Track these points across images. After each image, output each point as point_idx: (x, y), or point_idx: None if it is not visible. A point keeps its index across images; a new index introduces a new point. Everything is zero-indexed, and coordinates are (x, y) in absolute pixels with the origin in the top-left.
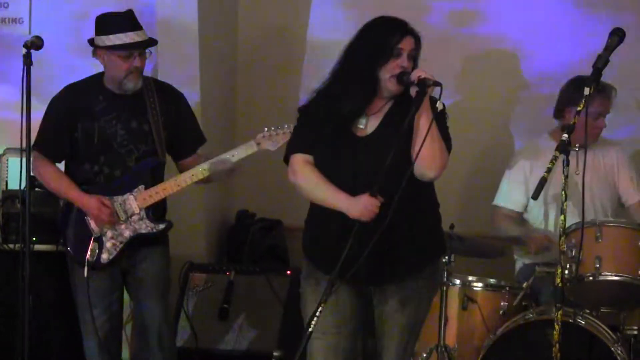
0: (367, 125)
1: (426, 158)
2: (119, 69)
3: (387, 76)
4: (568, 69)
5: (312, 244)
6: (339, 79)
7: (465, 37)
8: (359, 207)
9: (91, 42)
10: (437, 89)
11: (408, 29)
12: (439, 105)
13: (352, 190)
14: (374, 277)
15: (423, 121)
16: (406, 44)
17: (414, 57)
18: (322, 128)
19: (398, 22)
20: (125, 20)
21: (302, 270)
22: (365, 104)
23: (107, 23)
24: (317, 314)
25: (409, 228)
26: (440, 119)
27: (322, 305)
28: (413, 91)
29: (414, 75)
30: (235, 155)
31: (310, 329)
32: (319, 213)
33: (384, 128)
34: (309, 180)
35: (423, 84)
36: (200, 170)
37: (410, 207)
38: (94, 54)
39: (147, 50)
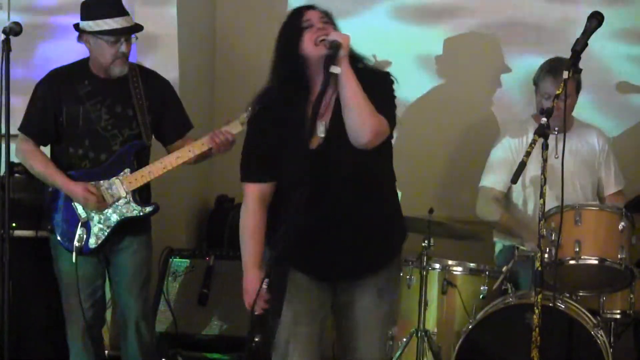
0: (324, 130)
1: (352, 123)
2: (105, 54)
3: (310, 46)
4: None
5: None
6: (273, 82)
7: (448, 20)
8: None
9: (77, 27)
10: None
11: (308, 7)
12: (332, 70)
13: (327, 204)
14: (345, 273)
15: (341, 83)
16: (312, 15)
17: (328, 23)
18: (281, 140)
19: (297, 7)
20: (112, 6)
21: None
22: (305, 101)
23: (94, 8)
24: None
25: (374, 220)
26: (380, 83)
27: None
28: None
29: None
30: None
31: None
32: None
33: (333, 127)
34: (243, 228)
35: (330, 46)
36: (199, 144)
37: (376, 196)
38: (80, 39)
39: (132, 36)
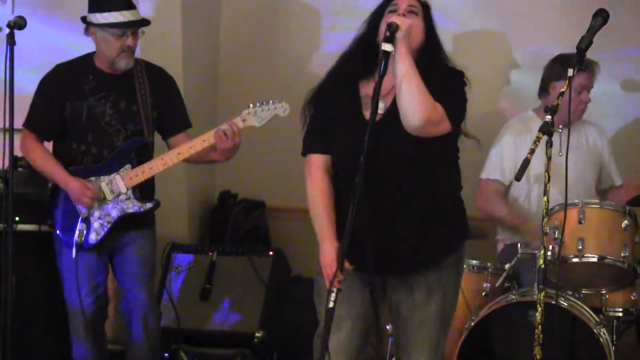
0: (384, 108)
1: (402, 104)
2: (112, 47)
3: (382, 32)
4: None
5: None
6: (347, 54)
7: (456, 16)
8: None
9: (84, 19)
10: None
11: None
12: (383, 47)
13: (377, 192)
14: (393, 267)
15: (395, 64)
16: (402, 1)
17: (414, 13)
18: (337, 114)
19: None
20: None
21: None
22: (366, 69)
23: (102, 1)
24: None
25: (428, 213)
26: (450, 78)
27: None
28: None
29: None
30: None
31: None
32: (339, 193)
33: (393, 109)
34: (312, 199)
35: (387, 27)
36: (200, 141)
37: (428, 190)
38: (86, 31)
39: (139, 30)
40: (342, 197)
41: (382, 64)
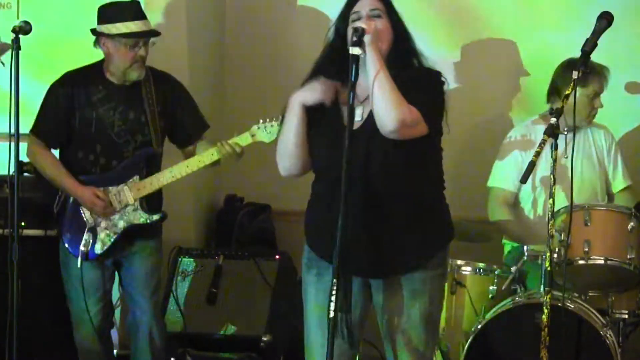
0: (361, 115)
1: (375, 108)
2: (124, 57)
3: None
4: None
5: (311, 230)
6: (320, 62)
7: (465, 23)
8: None
9: (93, 31)
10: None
11: None
12: (351, 50)
13: (358, 194)
14: (375, 268)
15: (368, 71)
16: (362, 5)
17: (379, 16)
18: (317, 121)
19: None
20: (131, 9)
21: (303, 254)
22: (341, 76)
23: (114, 11)
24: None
25: (409, 215)
26: (426, 79)
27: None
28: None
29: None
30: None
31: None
32: (318, 198)
33: (372, 116)
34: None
35: (353, 32)
36: (208, 155)
37: (409, 193)
38: (97, 42)
39: (150, 41)
40: (322, 203)
41: (353, 69)
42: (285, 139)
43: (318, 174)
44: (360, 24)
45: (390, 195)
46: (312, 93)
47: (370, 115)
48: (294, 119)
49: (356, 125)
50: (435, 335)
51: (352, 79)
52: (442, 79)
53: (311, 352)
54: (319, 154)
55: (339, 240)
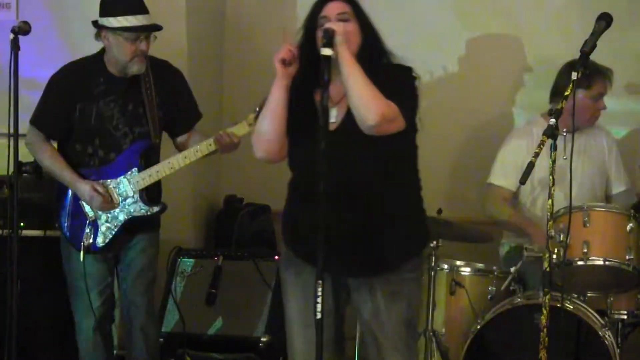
0: (337, 117)
1: (353, 106)
2: (125, 51)
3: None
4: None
5: (288, 230)
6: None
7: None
8: None
9: (95, 23)
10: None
11: None
12: (322, 52)
13: (336, 194)
14: (354, 267)
15: (342, 71)
16: (330, 9)
17: (347, 20)
18: (295, 123)
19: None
20: (134, 3)
21: (281, 255)
22: (316, 78)
23: (115, 5)
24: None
25: (388, 215)
26: (399, 76)
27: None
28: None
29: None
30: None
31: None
32: (295, 198)
33: (348, 117)
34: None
35: (323, 35)
36: (206, 145)
37: (388, 192)
38: (98, 35)
39: (152, 35)
40: (299, 203)
41: (326, 70)
42: (263, 116)
43: (294, 174)
44: (329, 25)
45: (368, 195)
46: (283, 49)
47: (346, 116)
48: (275, 93)
49: (332, 127)
50: (415, 338)
51: (325, 80)
52: (414, 74)
53: (293, 352)
54: (295, 154)
55: (320, 242)
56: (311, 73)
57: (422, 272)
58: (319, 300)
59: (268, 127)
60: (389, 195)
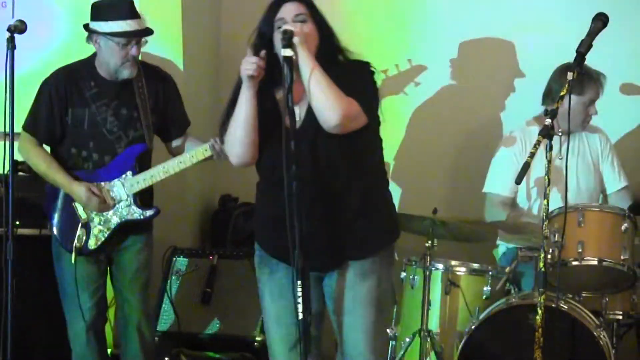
0: (299, 114)
1: (315, 105)
2: (116, 56)
3: (278, 47)
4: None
5: (260, 229)
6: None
7: (462, 23)
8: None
9: (86, 27)
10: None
11: None
12: (283, 52)
13: (304, 192)
14: (328, 262)
15: (302, 71)
16: (286, 11)
17: (304, 22)
18: (260, 124)
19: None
20: (125, 8)
21: (255, 255)
22: (275, 78)
23: (106, 9)
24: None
25: (358, 207)
26: (357, 71)
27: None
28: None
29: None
30: None
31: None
32: (265, 198)
33: (311, 114)
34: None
35: (282, 36)
36: (201, 151)
37: (356, 185)
38: (89, 39)
39: (143, 40)
40: (269, 203)
41: (287, 71)
42: (235, 124)
43: (263, 175)
44: (287, 27)
45: (337, 190)
46: (247, 63)
47: (308, 113)
48: (245, 103)
49: (297, 126)
50: (386, 322)
51: (288, 82)
52: (372, 68)
53: (273, 351)
54: (263, 154)
55: (296, 241)
56: (269, 73)
57: (394, 261)
58: (300, 300)
59: (243, 136)
60: (357, 188)
